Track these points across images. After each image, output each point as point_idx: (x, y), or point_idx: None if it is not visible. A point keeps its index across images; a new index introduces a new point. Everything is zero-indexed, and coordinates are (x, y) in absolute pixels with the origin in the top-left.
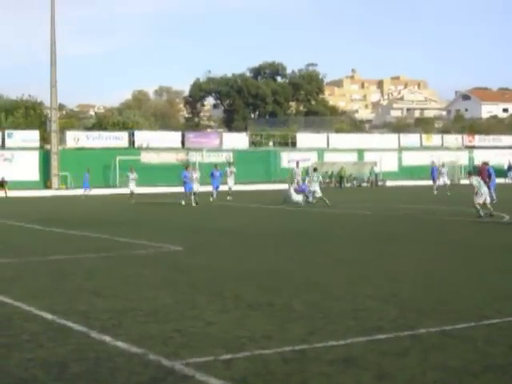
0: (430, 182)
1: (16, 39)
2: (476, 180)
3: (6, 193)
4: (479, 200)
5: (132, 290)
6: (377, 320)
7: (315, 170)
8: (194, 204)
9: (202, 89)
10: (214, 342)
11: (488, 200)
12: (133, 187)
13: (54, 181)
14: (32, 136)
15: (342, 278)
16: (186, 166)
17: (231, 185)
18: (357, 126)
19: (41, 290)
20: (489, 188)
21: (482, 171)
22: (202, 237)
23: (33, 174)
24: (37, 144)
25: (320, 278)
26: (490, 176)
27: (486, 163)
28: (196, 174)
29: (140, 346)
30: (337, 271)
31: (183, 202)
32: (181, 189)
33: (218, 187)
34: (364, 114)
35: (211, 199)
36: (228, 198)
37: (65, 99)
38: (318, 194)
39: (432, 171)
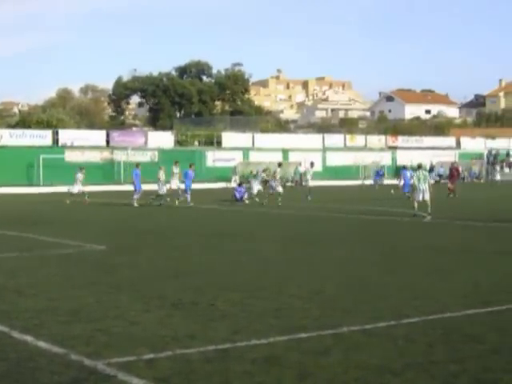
0: (352, 182)
1: None
2: (417, 176)
3: None
4: (418, 197)
5: (54, 290)
6: (300, 319)
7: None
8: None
9: (127, 87)
10: (136, 341)
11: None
12: (80, 187)
13: None
14: None
15: (266, 278)
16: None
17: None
18: (282, 126)
19: None
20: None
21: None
22: (128, 237)
23: None
24: None
25: (244, 278)
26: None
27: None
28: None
29: (62, 345)
30: (261, 271)
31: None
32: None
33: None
34: (289, 114)
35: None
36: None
37: None
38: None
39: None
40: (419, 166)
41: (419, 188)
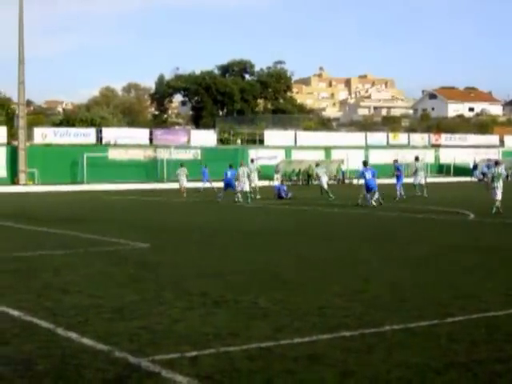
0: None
1: None
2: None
3: None
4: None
5: (99, 287)
6: (342, 317)
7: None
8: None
9: (169, 86)
10: (180, 339)
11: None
12: (183, 182)
13: (22, 177)
14: None
15: (308, 276)
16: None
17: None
18: (324, 124)
19: (7, 287)
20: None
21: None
22: (173, 234)
23: (0, 170)
24: (4, 140)
25: (286, 276)
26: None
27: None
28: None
29: (106, 342)
30: (303, 269)
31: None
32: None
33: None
34: (331, 112)
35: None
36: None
37: (33, 95)
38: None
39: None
40: (497, 163)
41: (496, 186)
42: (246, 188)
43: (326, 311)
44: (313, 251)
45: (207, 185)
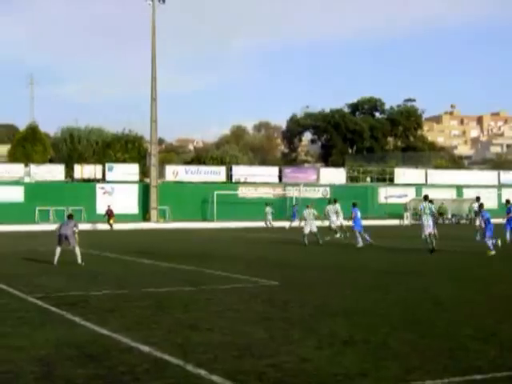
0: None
1: (118, 75)
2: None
3: (111, 225)
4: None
5: (227, 324)
6: (474, 360)
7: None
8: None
9: (299, 124)
10: (309, 378)
11: None
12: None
13: (153, 214)
14: (132, 169)
15: (439, 316)
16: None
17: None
18: (456, 162)
19: (138, 323)
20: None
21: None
22: (302, 272)
23: (132, 206)
24: (136, 177)
25: (416, 316)
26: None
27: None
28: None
29: (235, 381)
30: (433, 309)
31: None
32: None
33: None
34: (463, 150)
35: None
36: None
37: (164, 133)
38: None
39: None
40: None
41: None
42: (314, 229)
43: (458, 353)
44: (442, 291)
45: (295, 224)
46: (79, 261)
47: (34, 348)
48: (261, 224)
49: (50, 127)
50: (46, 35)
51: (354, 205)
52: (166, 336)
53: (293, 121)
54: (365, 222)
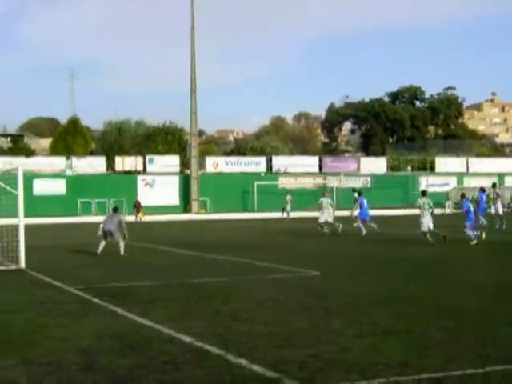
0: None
1: (159, 67)
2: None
3: (140, 216)
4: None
5: (268, 314)
6: None
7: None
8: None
9: (339, 114)
10: (349, 367)
11: None
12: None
13: (194, 205)
14: (172, 161)
15: (480, 305)
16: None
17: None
18: (497, 150)
19: (179, 313)
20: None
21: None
22: (343, 262)
23: (173, 198)
24: (177, 169)
25: (457, 305)
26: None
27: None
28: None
29: (275, 370)
30: (475, 298)
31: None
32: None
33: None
34: (504, 138)
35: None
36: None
37: (204, 125)
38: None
39: None
40: None
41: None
42: (330, 219)
43: (498, 342)
44: (481, 279)
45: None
46: (122, 252)
47: (76, 339)
48: (300, 214)
49: (91, 120)
50: (88, 29)
51: (360, 193)
52: (207, 326)
53: (332, 111)
54: (406, 212)
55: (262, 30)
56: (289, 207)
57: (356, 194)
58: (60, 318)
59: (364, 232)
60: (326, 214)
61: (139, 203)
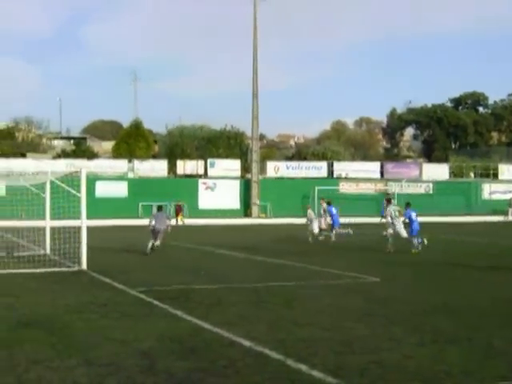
0: None
1: (220, 72)
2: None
3: (182, 221)
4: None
5: (328, 320)
6: None
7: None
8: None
9: (401, 119)
10: (411, 375)
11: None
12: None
13: (254, 209)
14: (233, 165)
15: None
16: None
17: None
18: None
19: (240, 318)
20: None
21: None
22: (403, 269)
23: (234, 202)
24: (238, 173)
25: None
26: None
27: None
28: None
29: (336, 376)
30: None
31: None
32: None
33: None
34: None
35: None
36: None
37: (266, 129)
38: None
39: None
40: None
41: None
42: (404, 234)
43: None
44: None
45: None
46: (158, 243)
47: (136, 341)
48: (362, 220)
49: (154, 123)
50: (149, 32)
51: (329, 203)
52: (267, 331)
53: (394, 116)
54: (468, 219)
55: (323, 32)
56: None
57: (325, 204)
58: (121, 319)
59: (333, 239)
60: (398, 225)
61: (180, 207)
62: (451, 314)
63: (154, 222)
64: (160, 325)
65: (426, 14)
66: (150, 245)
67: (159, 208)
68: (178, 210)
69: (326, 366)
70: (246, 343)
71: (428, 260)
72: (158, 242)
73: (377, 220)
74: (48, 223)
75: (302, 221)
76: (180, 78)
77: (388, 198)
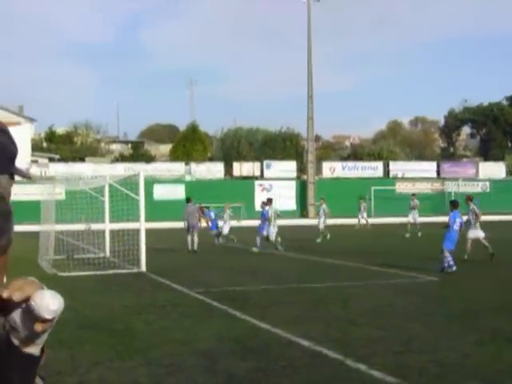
0: None
1: (275, 74)
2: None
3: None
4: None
5: (386, 319)
6: None
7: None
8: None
9: (457, 118)
10: (470, 374)
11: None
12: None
13: (311, 210)
14: (289, 166)
15: None
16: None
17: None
18: None
19: (297, 317)
20: None
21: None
22: (460, 268)
23: (290, 203)
24: (294, 174)
25: None
26: None
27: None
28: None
29: (395, 375)
30: None
31: None
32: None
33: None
34: None
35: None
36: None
37: (321, 130)
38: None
39: None
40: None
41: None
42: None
43: None
44: None
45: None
46: (195, 247)
47: (196, 341)
48: (420, 220)
49: (210, 126)
50: (204, 37)
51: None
52: (325, 330)
53: (451, 115)
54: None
55: (378, 32)
56: (365, 213)
57: (324, 205)
58: (180, 320)
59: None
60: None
61: (202, 209)
62: (510, 313)
63: (186, 219)
64: (219, 325)
65: (483, 14)
66: (189, 241)
67: (188, 200)
68: (201, 212)
69: (385, 366)
70: (305, 343)
71: (486, 259)
72: (195, 240)
73: (434, 219)
74: (107, 226)
75: (355, 221)
76: (236, 81)
77: (269, 199)
